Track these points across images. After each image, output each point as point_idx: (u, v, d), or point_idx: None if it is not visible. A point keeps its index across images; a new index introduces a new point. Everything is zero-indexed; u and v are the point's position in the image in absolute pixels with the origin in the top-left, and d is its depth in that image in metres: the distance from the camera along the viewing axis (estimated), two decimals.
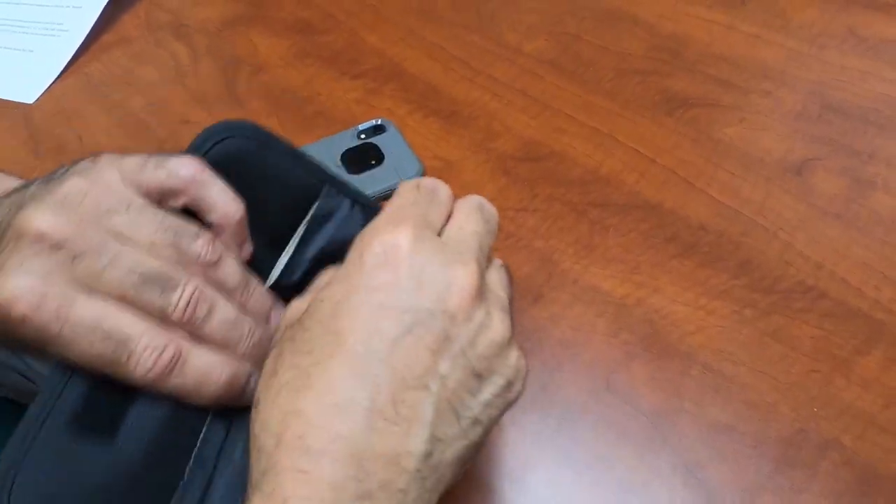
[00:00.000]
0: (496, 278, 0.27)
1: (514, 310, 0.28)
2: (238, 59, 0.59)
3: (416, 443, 0.22)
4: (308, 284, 0.29)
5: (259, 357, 0.28)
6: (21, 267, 0.24)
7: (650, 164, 0.48)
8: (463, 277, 0.24)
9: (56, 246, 0.25)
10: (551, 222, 0.45)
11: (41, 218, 0.25)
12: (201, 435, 0.27)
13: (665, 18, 0.59)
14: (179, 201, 0.29)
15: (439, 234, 0.26)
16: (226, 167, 0.30)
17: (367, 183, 0.46)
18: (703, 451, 0.34)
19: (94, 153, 0.28)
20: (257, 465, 0.22)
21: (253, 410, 0.24)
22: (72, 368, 0.25)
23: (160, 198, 0.28)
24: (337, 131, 0.51)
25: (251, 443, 0.23)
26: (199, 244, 0.28)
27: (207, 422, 0.27)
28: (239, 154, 0.30)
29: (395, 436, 0.21)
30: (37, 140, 0.53)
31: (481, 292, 0.25)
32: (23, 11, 0.65)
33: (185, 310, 0.26)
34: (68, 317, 0.24)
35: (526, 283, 0.42)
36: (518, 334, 0.39)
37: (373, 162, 0.48)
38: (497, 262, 0.29)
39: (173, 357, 0.25)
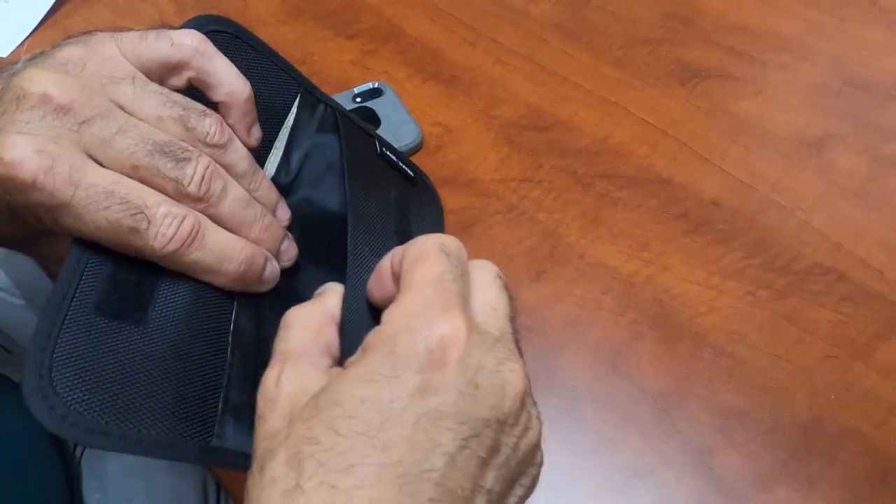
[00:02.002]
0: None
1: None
2: (226, 15, 0.56)
3: None
4: (293, 190, 0.30)
5: (270, 245, 0.28)
6: (28, 126, 0.22)
7: (661, 136, 0.45)
8: (516, 379, 0.21)
9: (62, 109, 0.23)
10: (556, 194, 0.42)
11: (45, 79, 0.23)
12: (232, 318, 0.26)
13: None
14: (184, 76, 0.27)
15: None
16: None
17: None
18: (715, 436, 0.32)
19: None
20: None
21: None
22: (89, 252, 0.23)
23: (162, 74, 0.27)
24: (332, 94, 0.48)
25: None
26: (208, 123, 0.26)
27: (234, 309, 0.26)
28: (220, 49, 0.29)
29: None
30: None
31: (529, 391, 0.22)
32: None
33: (201, 184, 0.25)
34: (80, 181, 0.22)
35: (529, 257, 0.39)
36: (521, 311, 0.37)
37: None
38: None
39: (193, 227, 0.24)
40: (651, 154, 0.44)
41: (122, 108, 0.24)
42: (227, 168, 0.27)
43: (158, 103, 0.25)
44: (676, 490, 0.31)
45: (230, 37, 0.30)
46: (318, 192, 0.32)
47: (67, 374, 0.21)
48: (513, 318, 0.23)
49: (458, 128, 0.46)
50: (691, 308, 0.37)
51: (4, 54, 0.53)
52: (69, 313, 0.22)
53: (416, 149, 0.45)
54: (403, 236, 0.32)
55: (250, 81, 0.29)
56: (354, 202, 0.29)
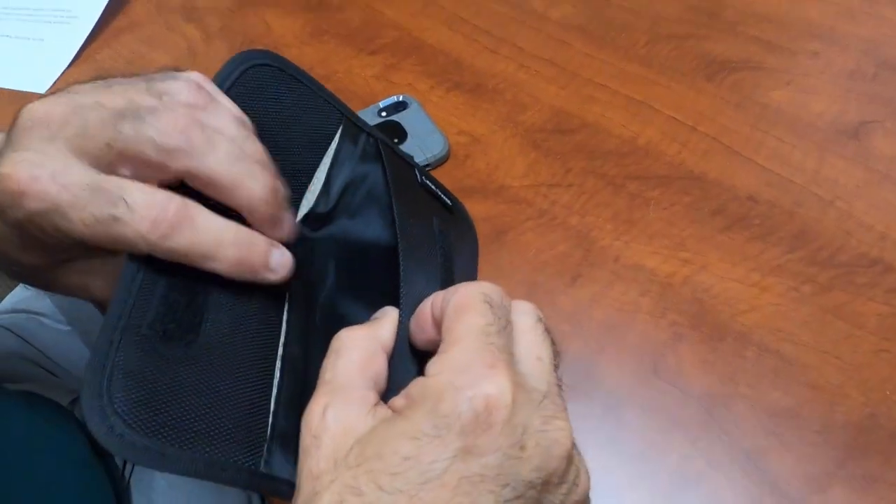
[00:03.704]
0: None
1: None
2: (251, 40, 0.57)
3: None
4: (334, 220, 0.30)
5: (272, 209, 0.26)
6: (20, 145, 0.24)
7: (691, 132, 0.45)
8: (563, 437, 0.21)
9: (42, 123, 0.24)
10: (587, 197, 0.42)
11: (30, 107, 0.24)
12: (280, 342, 0.26)
13: None
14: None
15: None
16: (252, 95, 0.29)
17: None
18: (764, 438, 0.32)
19: None
20: None
21: None
22: (142, 272, 0.24)
23: None
24: (357, 110, 0.48)
25: None
26: (177, 86, 0.25)
27: (285, 317, 0.26)
28: (263, 82, 0.29)
29: None
30: None
31: (575, 445, 0.22)
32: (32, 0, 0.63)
33: (175, 134, 0.24)
34: (64, 182, 0.23)
35: (563, 261, 0.39)
36: (556, 316, 0.37)
37: (395, 140, 0.45)
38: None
39: (178, 209, 0.23)
40: (682, 151, 0.44)
41: (97, 104, 0.24)
42: (213, 129, 0.25)
43: (128, 84, 0.25)
44: (727, 494, 0.30)
45: (275, 70, 0.30)
46: (358, 221, 0.32)
47: (126, 394, 0.21)
48: (556, 365, 0.23)
49: (484, 136, 0.46)
50: (732, 306, 0.36)
51: (43, 90, 0.55)
52: (125, 334, 0.22)
53: (444, 159, 0.45)
54: (447, 265, 0.32)
55: (292, 111, 0.29)
56: (404, 228, 0.28)
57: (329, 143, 0.32)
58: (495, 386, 0.20)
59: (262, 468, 0.23)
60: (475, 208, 0.42)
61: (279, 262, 0.26)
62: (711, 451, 0.31)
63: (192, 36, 0.58)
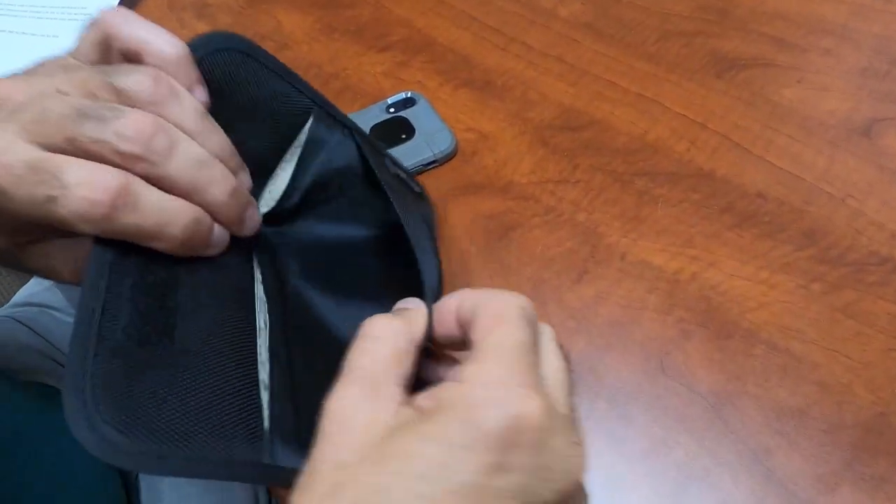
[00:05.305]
0: None
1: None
2: (262, 37, 0.57)
3: None
4: (303, 211, 0.28)
5: (234, 212, 0.26)
6: None
7: (700, 129, 0.44)
8: (582, 463, 0.21)
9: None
10: (595, 194, 0.42)
11: None
12: (260, 337, 0.26)
13: None
14: (115, 51, 0.26)
15: None
16: (215, 81, 0.28)
17: (397, 158, 0.44)
18: (771, 436, 0.31)
19: None
20: None
21: None
22: (105, 276, 0.23)
23: (102, 61, 0.26)
24: (365, 106, 0.48)
25: None
26: (135, 79, 0.24)
27: (261, 308, 0.26)
28: (227, 67, 0.28)
29: None
30: None
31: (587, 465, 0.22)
32: None
33: (135, 141, 0.23)
34: (4, 160, 0.22)
35: (569, 258, 0.39)
36: (562, 312, 0.37)
37: (403, 136, 0.46)
38: None
39: (118, 188, 0.22)
40: (691, 148, 0.43)
41: (57, 89, 0.24)
42: (176, 125, 0.25)
43: (87, 76, 0.24)
44: (733, 493, 0.30)
45: (242, 55, 0.29)
46: (328, 209, 0.32)
47: (115, 402, 0.20)
48: (571, 391, 0.24)
49: (492, 133, 0.46)
50: (741, 304, 0.36)
51: None
52: (101, 343, 0.21)
53: (451, 156, 0.45)
54: (437, 252, 0.32)
55: (258, 98, 0.28)
56: (407, 220, 0.28)
57: (298, 132, 0.31)
58: (531, 406, 0.20)
59: (266, 460, 0.23)
60: (483, 205, 0.42)
61: (218, 238, 0.26)
62: (718, 450, 0.31)
63: (201, 30, 0.58)
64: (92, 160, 0.23)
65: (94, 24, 0.26)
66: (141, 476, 0.41)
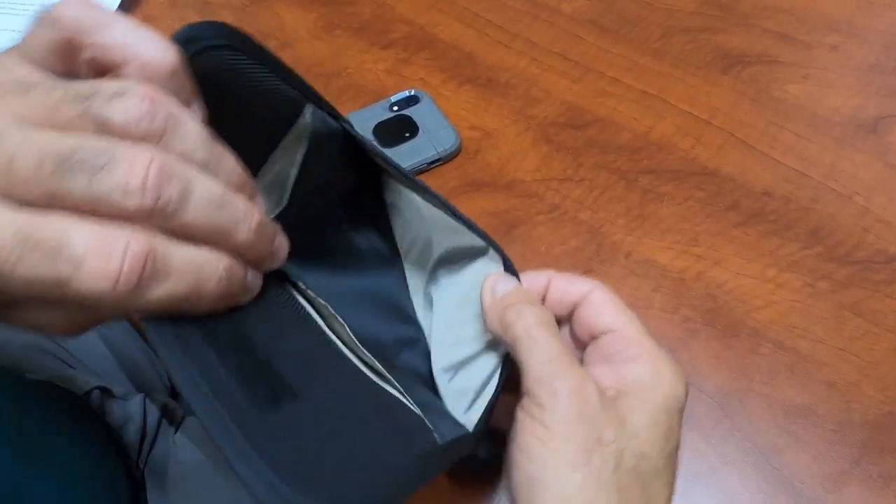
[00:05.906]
0: None
1: None
2: (265, 34, 0.57)
3: None
4: (302, 216, 0.28)
5: (263, 248, 0.21)
6: None
7: (705, 126, 0.44)
8: None
9: None
10: (599, 192, 0.42)
11: None
12: (354, 350, 0.26)
13: None
14: (82, 61, 0.20)
15: None
16: (206, 82, 0.23)
17: (401, 156, 0.44)
18: (778, 435, 0.31)
19: None
20: None
21: None
22: (188, 356, 0.19)
23: (65, 67, 0.20)
24: (368, 104, 0.48)
25: None
26: (122, 108, 0.18)
27: (323, 326, 0.26)
28: (217, 65, 0.24)
29: None
30: None
31: None
32: None
33: (144, 193, 0.17)
34: None
35: (574, 256, 0.39)
36: None
37: (407, 134, 0.45)
38: None
39: (143, 251, 0.17)
40: (695, 146, 0.43)
41: (20, 117, 0.18)
42: (180, 156, 0.19)
43: (56, 101, 0.18)
44: (740, 491, 0.30)
45: (230, 50, 0.24)
46: (320, 201, 0.31)
47: (295, 474, 0.18)
48: None
49: (496, 130, 0.46)
50: (747, 303, 0.36)
51: None
52: (233, 421, 0.18)
53: (455, 153, 0.45)
54: None
55: (249, 97, 0.24)
56: (432, 197, 0.28)
57: (289, 128, 0.28)
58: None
59: (440, 441, 0.23)
60: (486, 202, 0.41)
61: (253, 281, 0.22)
62: (724, 448, 0.31)
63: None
64: (91, 212, 0.18)
65: (50, 19, 0.19)
66: (147, 477, 0.41)
